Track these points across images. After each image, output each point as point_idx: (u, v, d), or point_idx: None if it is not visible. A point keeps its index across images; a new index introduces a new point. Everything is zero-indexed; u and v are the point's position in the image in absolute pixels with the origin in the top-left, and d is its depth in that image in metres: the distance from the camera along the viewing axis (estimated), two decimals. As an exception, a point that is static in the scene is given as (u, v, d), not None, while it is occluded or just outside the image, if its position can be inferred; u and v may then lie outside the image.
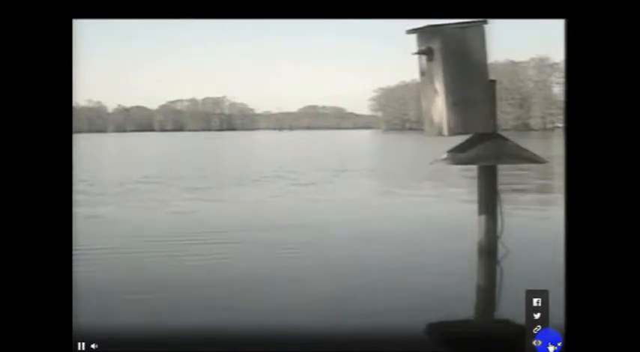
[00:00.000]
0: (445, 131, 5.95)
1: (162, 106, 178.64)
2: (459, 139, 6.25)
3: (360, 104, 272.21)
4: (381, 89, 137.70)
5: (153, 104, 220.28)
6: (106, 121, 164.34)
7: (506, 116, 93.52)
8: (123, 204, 11.45)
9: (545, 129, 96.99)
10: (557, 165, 12.77)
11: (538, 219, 9.30)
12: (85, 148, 40.99)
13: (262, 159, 27.46)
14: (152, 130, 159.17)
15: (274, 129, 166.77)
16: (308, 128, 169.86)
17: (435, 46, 5.87)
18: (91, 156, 31.39)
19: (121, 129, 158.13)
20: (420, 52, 6.01)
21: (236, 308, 4.74)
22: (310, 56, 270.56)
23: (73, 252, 3.41)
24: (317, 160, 26.00)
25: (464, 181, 14.11)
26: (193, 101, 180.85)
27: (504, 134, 6.29)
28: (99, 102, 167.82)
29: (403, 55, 6.20)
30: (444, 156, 6.31)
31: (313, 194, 12.89)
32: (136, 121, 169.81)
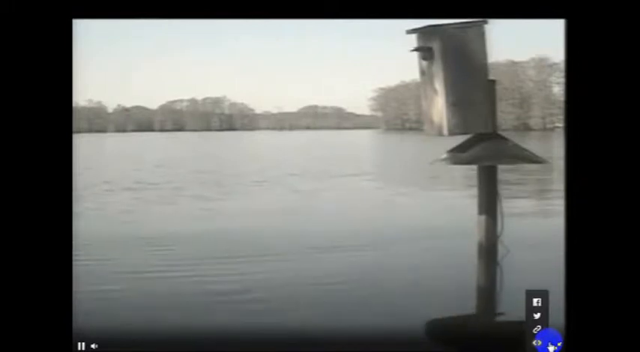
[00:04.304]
0: (445, 131, 5.95)
1: (162, 106, 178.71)
2: (459, 139, 6.25)
3: (360, 104, 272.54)
4: (381, 89, 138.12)
5: (153, 104, 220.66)
6: (106, 121, 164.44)
7: (506, 116, 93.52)
8: (124, 205, 11.45)
9: (545, 129, 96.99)
10: (557, 165, 12.77)
11: (538, 219, 9.30)
12: (85, 148, 40.97)
13: (263, 160, 27.45)
14: (152, 130, 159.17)
15: (274, 129, 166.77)
16: (308, 128, 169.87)
17: (435, 46, 5.87)
18: (91, 156, 31.38)
19: (121, 129, 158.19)
20: (417, 49, 6.01)
21: (236, 308, 4.74)
22: (310, 56, 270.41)
23: (73, 252, 3.41)
24: (317, 161, 26.00)
25: (464, 181, 14.11)
26: (193, 101, 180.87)
27: (504, 134, 6.30)
28: (99, 102, 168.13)
29: (403, 55, 6.21)
30: (444, 156, 6.31)
31: (313, 195, 12.89)
32: (136, 121, 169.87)
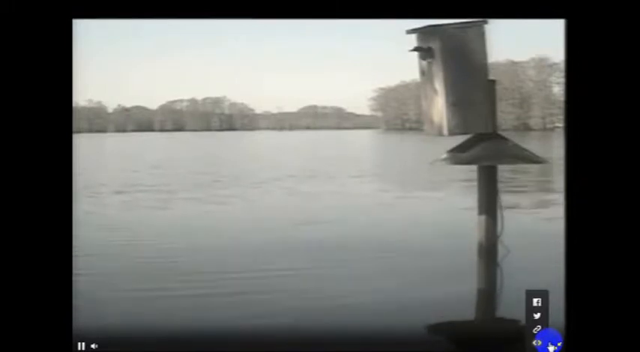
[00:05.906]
0: (445, 131, 5.95)
1: (162, 106, 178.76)
2: (459, 139, 6.25)
3: (360, 104, 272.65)
4: (381, 89, 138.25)
5: (153, 104, 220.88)
6: (106, 121, 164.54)
7: (506, 116, 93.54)
8: (124, 205, 11.45)
9: (545, 129, 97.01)
10: (557, 165, 12.77)
11: (538, 219, 9.30)
12: (85, 148, 40.96)
13: (263, 161, 27.44)
14: (152, 130, 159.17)
15: (274, 129, 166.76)
16: (308, 128, 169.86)
17: (435, 46, 5.87)
18: (92, 156, 31.37)
19: (121, 129, 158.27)
20: (416, 49, 6.01)
21: (236, 308, 4.74)
22: (310, 56, 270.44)
23: (73, 252, 3.41)
24: (317, 161, 26.00)
25: (463, 181, 14.11)
26: (193, 101, 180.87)
27: (504, 134, 6.30)
28: (99, 102, 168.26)
29: (403, 55, 6.21)
30: (444, 156, 6.31)
31: (313, 196, 12.88)
32: (136, 121, 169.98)
